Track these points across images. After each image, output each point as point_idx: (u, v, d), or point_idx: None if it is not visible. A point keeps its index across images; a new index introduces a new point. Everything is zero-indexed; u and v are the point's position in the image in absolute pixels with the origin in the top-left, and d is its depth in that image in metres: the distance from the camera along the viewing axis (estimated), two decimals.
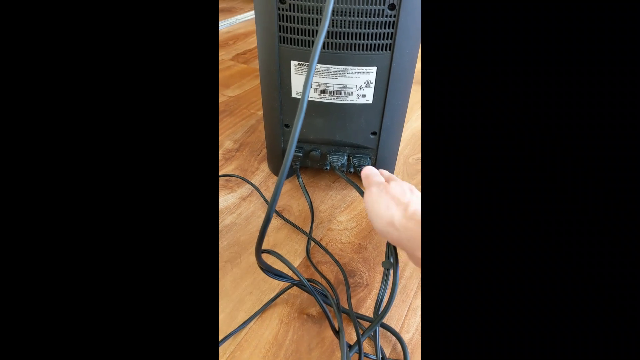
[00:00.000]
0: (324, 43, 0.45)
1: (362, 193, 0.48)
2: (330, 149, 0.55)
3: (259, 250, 0.33)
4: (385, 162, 0.57)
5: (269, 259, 0.40)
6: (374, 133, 0.53)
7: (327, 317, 0.36)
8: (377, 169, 0.57)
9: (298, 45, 0.46)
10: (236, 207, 0.56)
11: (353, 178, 0.58)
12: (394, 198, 0.35)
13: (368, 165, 0.55)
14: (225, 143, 0.69)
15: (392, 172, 0.61)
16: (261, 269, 0.36)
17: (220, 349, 0.39)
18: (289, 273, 0.43)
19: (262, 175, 0.62)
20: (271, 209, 0.30)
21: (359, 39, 0.44)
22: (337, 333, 0.36)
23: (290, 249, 0.50)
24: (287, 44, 0.46)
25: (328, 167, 0.56)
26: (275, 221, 0.54)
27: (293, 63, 0.47)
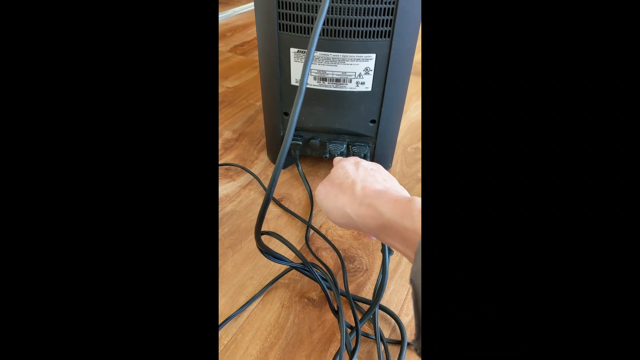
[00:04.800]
0: (323, 30, 0.45)
1: None
2: (330, 137, 0.56)
3: (259, 232, 0.34)
4: (384, 150, 0.57)
5: (269, 245, 0.41)
6: (372, 121, 0.53)
7: (327, 298, 0.37)
8: (376, 157, 0.58)
9: (297, 32, 0.46)
10: (236, 196, 0.56)
11: None
12: (339, 185, 0.32)
13: (367, 153, 0.56)
14: (225, 133, 0.69)
15: (390, 160, 0.62)
16: (260, 251, 0.36)
17: (223, 332, 0.39)
18: (289, 258, 0.43)
19: (262, 165, 0.62)
20: (271, 189, 0.31)
21: (358, 26, 0.44)
22: (337, 313, 0.37)
23: (289, 236, 0.50)
24: (287, 31, 0.46)
25: (327, 156, 0.56)
26: (274, 209, 0.54)
27: (292, 50, 0.48)
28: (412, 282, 0.21)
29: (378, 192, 0.29)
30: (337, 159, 0.39)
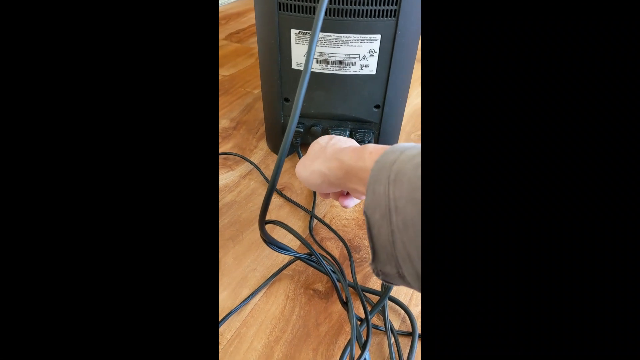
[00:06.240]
0: (326, 9, 0.43)
1: None
2: (332, 123, 0.54)
3: (263, 221, 0.32)
4: (387, 137, 0.56)
5: (272, 235, 0.39)
6: (377, 106, 0.51)
7: (336, 288, 0.35)
8: (380, 144, 0.56)
9: (299, 12, 0.44)
10: (235, 186, 0.54)
11: None
12: (313, 156, 0.35)
13: (370, 140, 0.54)
14: (222, 122, 0.67)
15: None
16: (264, 241, 0.34)
17: (225, 327, 0.37)
18: (293, 248, 0.42)
19: (261, 154, 0.60)
20: (276, 175, 0.29)
21: (363, 5, 0.42)
22: (346, 305, 0.35)
23: (292, 226, 0.48)
24: (287, 11, 0.44)
25: None
26: (276, 199, 0.53)
27: (293, 32, 0.45)
28: (365, 214, 0.24)
29: (343, 148, 0.32)
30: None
